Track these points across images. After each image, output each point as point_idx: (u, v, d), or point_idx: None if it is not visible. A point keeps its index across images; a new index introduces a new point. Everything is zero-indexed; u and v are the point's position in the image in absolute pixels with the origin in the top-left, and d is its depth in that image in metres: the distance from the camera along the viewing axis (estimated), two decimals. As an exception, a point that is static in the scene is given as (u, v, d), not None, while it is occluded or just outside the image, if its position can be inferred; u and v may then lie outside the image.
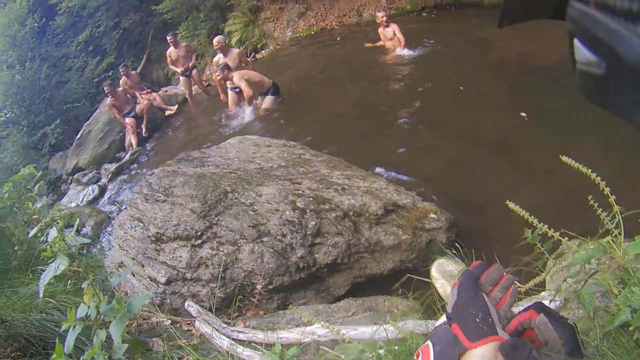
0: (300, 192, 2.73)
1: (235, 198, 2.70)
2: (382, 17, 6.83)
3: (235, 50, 6.56)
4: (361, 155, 4.03)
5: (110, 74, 12.14)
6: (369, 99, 5.56)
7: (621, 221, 1.24)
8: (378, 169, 3.73)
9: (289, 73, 7.62)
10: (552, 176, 3.08)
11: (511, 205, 1.37)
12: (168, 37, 7.88)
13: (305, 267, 2.46)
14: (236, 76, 5.95)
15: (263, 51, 10.46)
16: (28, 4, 12.64)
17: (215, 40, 6.44)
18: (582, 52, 0.33)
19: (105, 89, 7.80)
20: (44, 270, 2.88)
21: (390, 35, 6.83)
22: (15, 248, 3.43)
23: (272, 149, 3.54)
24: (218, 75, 6.14)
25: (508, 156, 3.57)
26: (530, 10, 0.42)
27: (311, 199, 2.65)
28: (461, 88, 5.06)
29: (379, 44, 7.08)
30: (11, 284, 2.80)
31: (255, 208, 2.63)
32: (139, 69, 12.44)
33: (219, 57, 6.45)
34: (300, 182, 2.86)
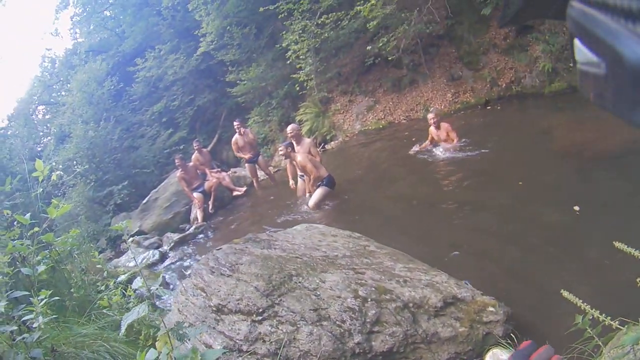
0: (363, 281, 2.83)
1: (299, 282, 2.83)
2: (432, 118, 6.95)
3: (307, 140, 6.68)
4: (422, 249, 4.14)
5: (181, 147, 13.05)
6: (427, 195, 5.71)
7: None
8: (439, 263, 3.77)
9: (353, 165, 7.93)
10: (606, 264, 3.14)
11: (565, 294, 1.41)
12: (235, 124, 8.20)
13: (361, 353, 2.48)
14: (300, 155, 6.08)
15: (332, 142, 10.84)
16: (107, 67, 14.31)
17: (290, 127, 6.61)
18: (582, 52, 0.33)
19: (176, 161, 8.21)
20: (99, 315, 2.83)
21: (444, 136, 6.98)
22: (72, 290, 3.57)
23: (337, 239, 3.69)
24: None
25: (563, 248, 3.65)
26: (531, 10, 0.43)
27: (373, 288, 2.75)
28: (520, 183, 5.12)
29: (423, 146, 7.24)
30: (66, 320, 2.92)
31: (318, 293, 2.74)
32: (210, 147, 13.21)
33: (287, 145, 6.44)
34: (364, 272, 2.97)
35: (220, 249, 3.35)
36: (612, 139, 5.14)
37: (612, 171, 4.62)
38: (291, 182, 6.88)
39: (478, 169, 5.98)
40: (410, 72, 10.22)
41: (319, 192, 6.20)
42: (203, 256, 3.74)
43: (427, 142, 7.25)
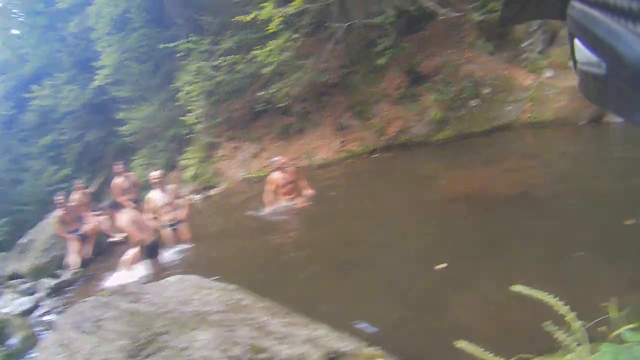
0: (236, 340, 2.68)
1: (168, 341, 2.67)
2: (282, 162, 6.79)
3: (171, 187, 6.65)
4: (300, 300, 4.02)
5: (64, 185, 11.91)
6: (301, 244, 5.65)
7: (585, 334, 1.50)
8: (317, 315, 3.57)
9: (234, 212, 7.78)
10: (503, 305, 3.12)
11: (460, 344, 1.57)
12: (116, 167, 8.00)
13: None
14: (124, 217, 5.65)
15: (215, 189, 10.40)
16: (4, 90, 13.35)
17: (154, 174, 6.46)
18: (582, 52, 0.33)
19: (57, 200, 7.78)
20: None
21: (291, 181, 6.75)
22: None
23: (212, 292, 3.50)
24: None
25: (455, 293, 3.62)
26: (531, 10, 0.41)
27: (248, 347, 2.62)
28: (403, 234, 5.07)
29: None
30: None
31: (188, 353, 2.55)
32: (93, 188, 12.27)
33: (154, 194, 6.38)
34: (238, 329, 2.83)
35: (86, 301, 3.22)
36: (494, 188, 5.37)
37: (495, 218, 4.79)
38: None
39: (357, 215, 6.04)
40: (299, 120, 9.77)
41: (132, 255, 5.79)
42: (68, 309, 3.57)
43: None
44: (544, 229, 4.27)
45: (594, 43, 0.31)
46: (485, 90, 8.86)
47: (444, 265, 4.00)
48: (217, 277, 4.33)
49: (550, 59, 9.29)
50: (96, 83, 11.99)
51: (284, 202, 6.86)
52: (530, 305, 1.65)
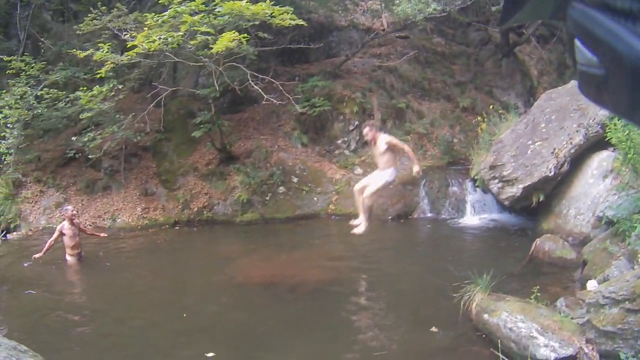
0: None
1: None
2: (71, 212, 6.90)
3: None
4: None
5: None
6: (68, 309, 5.61)
7: None
8: None
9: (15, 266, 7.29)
10: None
11: None
12: None
13: None
14: None
15: (15, 233, 9.63)
16: None
17: None
18: (582, 53, 0.34)
19: None
20: None
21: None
22: None
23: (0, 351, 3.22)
24: None
25: None
26: (531, 10, 0.42)
27: None
28: (184, 315, 5.20)
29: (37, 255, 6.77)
30: None
31: None
32: None
33: None
34: None
35: None
36: (286, 276, 5.88)
37: (277, 307, 5.27)
38: None
39: (138, 287, 6.17)
40: (106, 177, 9.57)
41: None
42: None
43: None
44: (322, 322, 4.90)
45: (594, 43, 0.32)
46: (294, 179, 9.41)
47: (211, 354, 4.19)
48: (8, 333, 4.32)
49: (362, 158, 10.10)
50: None
51: (69, 258, 6.85)
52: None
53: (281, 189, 9.26)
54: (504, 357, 3.66)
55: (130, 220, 8.98)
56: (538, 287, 4.59)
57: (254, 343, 4.61)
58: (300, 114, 9.45)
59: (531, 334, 3.75)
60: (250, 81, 8.46)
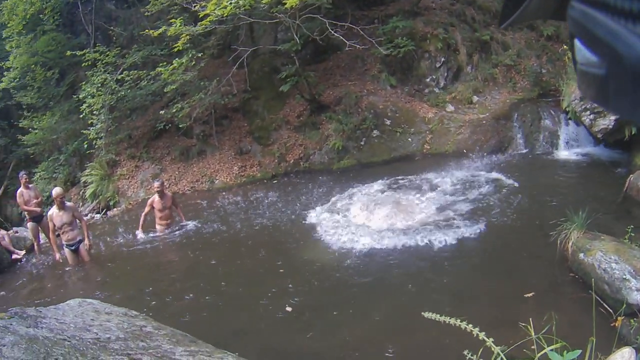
0: None
1: None
2: (157, 187, 6.89)
3: (70, 205, 6.59)
4: (205, 326, 4.16)
5: None
6: (204, 270, 5.79)
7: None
8: (227, 343, 3.67)
9: (120, 239, 7.57)
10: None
11: None
12: (21, 177, 7.71)
13: None
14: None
15: (115, 209, 10.01)
16: None
17: (57, 192, 6.33)
18: (582, 53, 0.34)
19: None
20: None
21: (169, 205, 6.99)
22: None
23: (112, 318, 3.43)
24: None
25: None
26: (531, 10, 0.42)
27: None
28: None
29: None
30: None
31: None
32: None
33: (53, 211, 6.28)
34: (140, 358, 2.73)
35: None
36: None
37: None
38: (57, 254, 6.46)
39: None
40: (199, 143, 9.73)
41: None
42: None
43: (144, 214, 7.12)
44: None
45: (594, 43, 0.32)
46: (387, 122, 9.20)
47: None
48: (117, 301, 4.36)
49: (453, 95, 9.78)
50: (2, 85, 11.44)
51: (159, 227, 7.08)
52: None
53: (375, 132, 9.07)
54: (597, 299, 3.45)
55: (228, 179, 9.07)
56: (632, 226, 4.32)
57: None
58: (385, 56, 9.25)
59: (624, 276, 3.58)
60: (330, 30, 8.36)
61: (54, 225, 6.20)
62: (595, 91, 0.34)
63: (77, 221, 6.42)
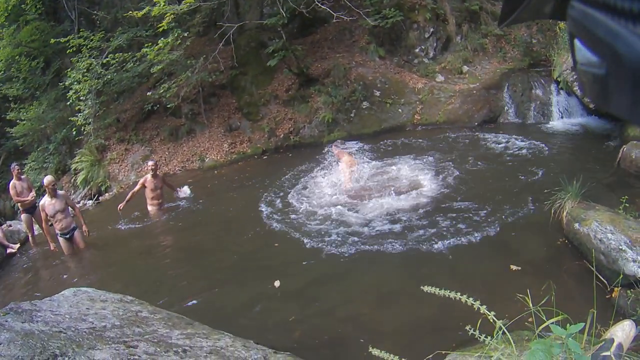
0: (135, 357, 2.57)
1: None
2: (152, 166, 6.96)
3: (62, 193, 6.54)
4: (200, 306, 4.15)
5: None
6: (193, 244, 5.91)
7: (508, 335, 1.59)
8: (222, 323, 3.65)
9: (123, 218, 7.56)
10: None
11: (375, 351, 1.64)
12: (13, 169, 7.64)
13: None
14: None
15: (107, 194, 9.95)
16: None
17: (48, 180, 6.27)
18: (582, 53, 0.34)
19: None
20: None
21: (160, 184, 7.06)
22: None
23: (107, 305, 3.43)
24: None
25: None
26: (530, 10, 0.43)
27: None
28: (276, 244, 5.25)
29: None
30: None
31: None
32: None
33: (45, 200, 6.27)
34: (136, 345, 2.72)
35: None
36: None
37: None
38: (51, 245, 6.43)
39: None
40: (188, 122, 9.65)
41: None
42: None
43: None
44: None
45: (594, 43, 0.32)
46: (376, 93, 9.14)
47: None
48: (113, 287, 4.35)
49: (442, 65, 9.73)
50: (-14, 79, 11.48)
51: (150, 208, 7.06)
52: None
53: (365, 104, 9.01)
54: (592, 269, 3.37)
55: (218, 157, 9.00)
56: (626, 197, 4.33)
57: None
58: (373, 27, 9.20)
59: (620, 247, 3.56)
60: (317, 2, 8.30)
61: (47, 215, 6.17)
62: (595, 91, 0.33)
63: (70, 209, 6.39)
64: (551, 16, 0.42)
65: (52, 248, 6.39)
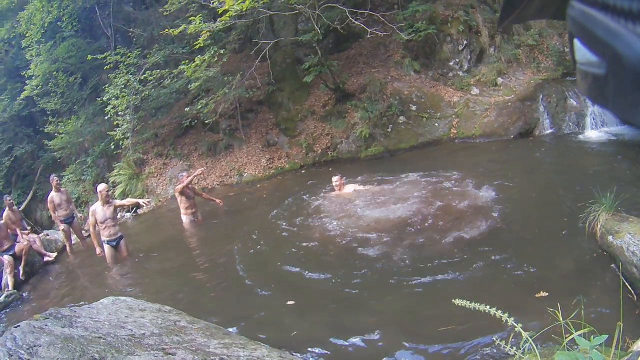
0: None
1: None
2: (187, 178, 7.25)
3: (115, 201, 6.73)
4: (238, 319, 4.17)
5: None
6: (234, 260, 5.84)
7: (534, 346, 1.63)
8: (260, 335, 3.73)
9: (164, 232, 7.81)
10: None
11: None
12: (52, 180, 7.81)
13: None
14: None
15: (145, 207, 10.13)
16: None
17: (103, 187, 6.42)
18: (582, 53, 0.34)
19: None
20: None
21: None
22: None
23: (146, 314, 3.53)
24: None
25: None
26: (530, 10, 0.42)
27: None
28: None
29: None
30: None
31: None
32: (24, 204, 12.08)
33: (97, 206, 6.41)
34: (175, 352, 2.79)
35: (19, 326, 3.10)
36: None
37: None
38: (98, 249, 6.60)
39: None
40: (226, 137, 9.89)
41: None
42: (2, 336, 3.48)
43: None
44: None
45: (594, 43, 0.32)
46: (413, 108, 9.27)
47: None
48: (151, 297, 4.49)
49: (477, 77, 9.81)
50: (25, 93, 11.69)
51: (185, 218, 7.35)
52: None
53: (401, 119, 9.14)
54: (625, 281, 3.39)
55: (257, 172, 9.22)
56: None
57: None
58: (407, 41, 9.33)
59: None
60: (350, 18, 8.45)
61: (96, 220, 6.29)
62: (595, 91, 0.34)
63: (118, 217, 6.55)
64: (551, 16, 0.42)
65: (98, 252, 6.53)
